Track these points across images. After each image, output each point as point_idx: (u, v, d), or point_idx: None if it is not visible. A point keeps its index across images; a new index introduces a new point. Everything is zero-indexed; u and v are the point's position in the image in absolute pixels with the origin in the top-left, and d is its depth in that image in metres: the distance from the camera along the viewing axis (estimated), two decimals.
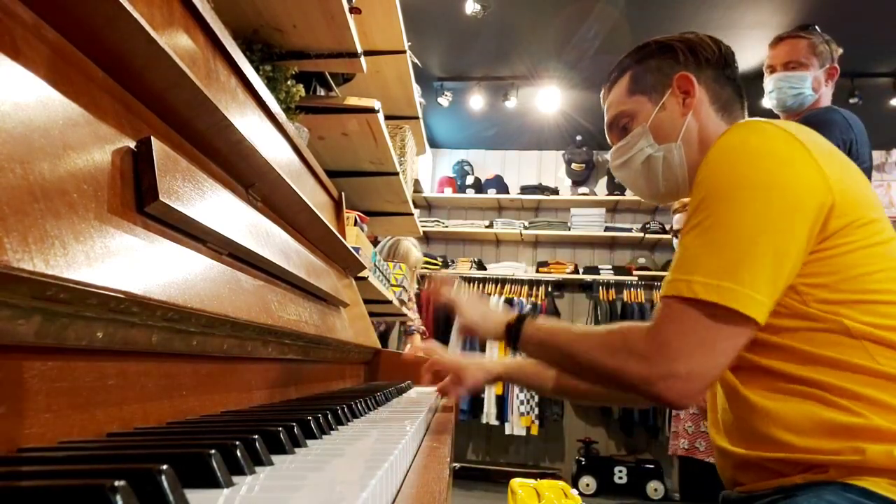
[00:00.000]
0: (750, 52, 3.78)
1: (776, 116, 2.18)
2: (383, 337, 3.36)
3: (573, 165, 5.51)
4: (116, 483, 0.25)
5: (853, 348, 0.75)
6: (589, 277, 5.16)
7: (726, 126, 0.95)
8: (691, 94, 0.97)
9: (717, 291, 0.75)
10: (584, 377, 0.95)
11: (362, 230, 2.01)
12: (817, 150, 0.80)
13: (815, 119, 2.00)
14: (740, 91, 1.02)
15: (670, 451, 4.16)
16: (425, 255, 5.33)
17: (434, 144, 5.75)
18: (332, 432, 0.62)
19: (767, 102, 2.17)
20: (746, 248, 0.76)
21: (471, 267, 5.31)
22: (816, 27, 2.14)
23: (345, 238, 1.57)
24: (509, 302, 5.11)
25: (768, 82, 2.13)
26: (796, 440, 0.76)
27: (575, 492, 2.60)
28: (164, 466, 0.29)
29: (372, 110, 1.77)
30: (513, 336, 0.96)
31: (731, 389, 0.85)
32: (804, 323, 0.77)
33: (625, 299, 5.01)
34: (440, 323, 5.16)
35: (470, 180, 5.57)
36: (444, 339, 5.47)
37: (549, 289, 5.18)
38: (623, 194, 5.42)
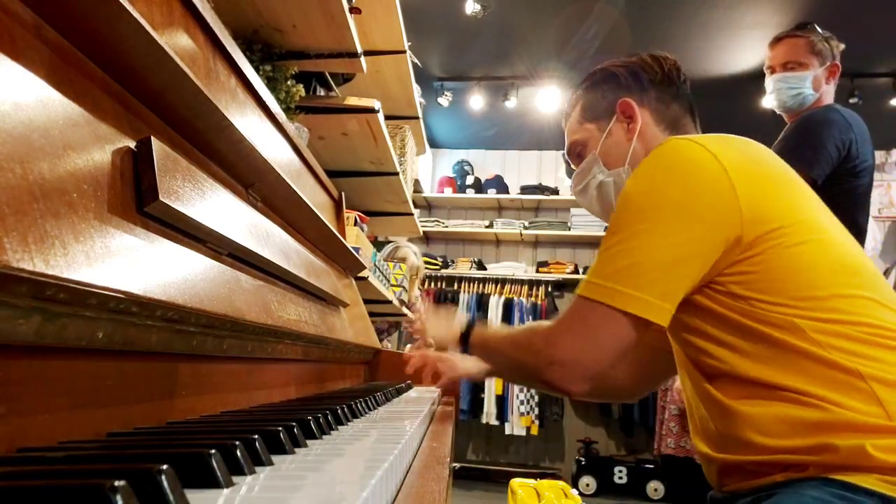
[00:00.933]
0: (750, 52, 3.78)
1: (778, 116, 2.18)
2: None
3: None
4: (116, 483, 0.25)
5: (808, 345, 0.76)
6: None
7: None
8: (634, 118, 1.00)
9: (601, 291, 0.82)
10: (513, 376, 1.10)
11: (362, 230, 2.01)
12: (735, 167, 0.82)
13: (814, 118, 2.00)
14: (690, 106, 1.04)
15: (656, 451, 4.17)
16: (425, 255, 5.33)
17: (434, 144, 5.75)
18: (332, 432, 0.62)
19: (768, 103, 2.16)
20: (643, 257, 0.81)
21: (471, 267, 5.31)
22: (815, 25, 2.12)
23: (345, 238, 1.57)
24: (509, 302, 5.11)
25: (768, 83, 2.12)
26: (772, 442, 0.77)
27: (575, 492, 2.60)
28: (164, 466, 0.29)
29: (372, 110, 1.77)
30: (464, 345, 1.09)
31: (707, 396, 0.86)
32: (762, 327, 0.79)
33: None
34: None
35: (470, 180, 5.57)
36: None
37: (549, 289, 5.18)
38: None
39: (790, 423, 0.76)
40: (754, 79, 2.28)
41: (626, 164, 1.01)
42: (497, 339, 1.05)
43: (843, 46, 2.12)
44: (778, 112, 2.15)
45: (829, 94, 2.10)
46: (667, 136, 0.99)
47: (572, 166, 1.13)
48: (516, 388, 4.85)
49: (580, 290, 0.85)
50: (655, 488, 4.39)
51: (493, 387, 4.87)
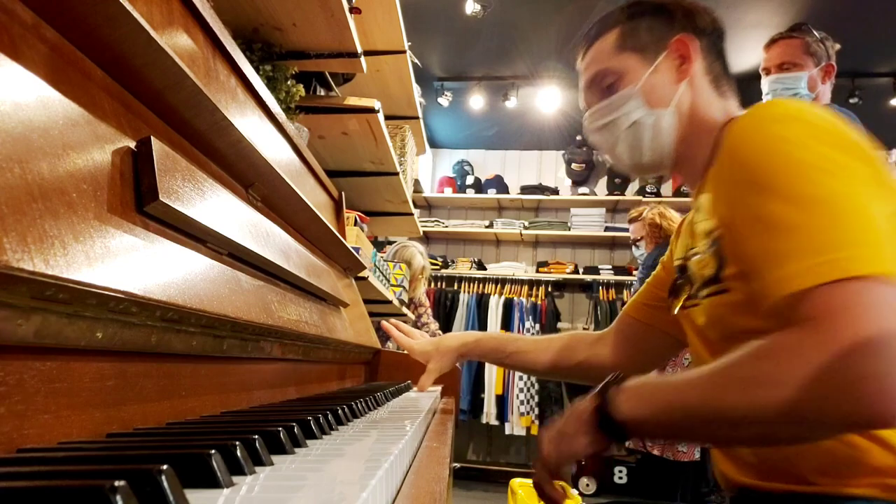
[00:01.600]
0: (750, 52, 3.78)
1: None
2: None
3: (573, 165, 5.51)
4: (116, 483, 0.25)
5: None
6: (589, 277, 5.16)
7: (720, 102, 0.92)
8: (689, 59, 0.90)
9: (851, 262, 0.61)
10: (735, 438, 0.67)
11: (362, 230, 2.01)
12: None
13: None
14: (728, 69, 0.96)
15: (640, 446, 4.15)
16: None
17: (434, 144, 5.75)
18: (332, 432, 0.62)
19: None
20: (861, 215, 0.64)
21: (471, 267, 5.31)
22: (810, 26, 2.12)
23: (345, 238, 1.57)
24: (509, 302, 5.11)
25: (764, 84, 2.13)
26: (831, 482, 0.72)
27: (575, 492, 2.60)
28: (165, 466, 0.29)
29: (372, 110, 1.77)
30: (604, 422, 0.73)
31: None
32: None
33: (625, 299, 5.01)
34: (440, 323, 5.16)
35: (470, 180, 5.57)
36: None
37: (549, 289, 5.18)
38: (623, 194, 5.41)
39: (856, 465, 0.69)
40: (754, 79, 2.28)
41: (672, 107, 0.90)
42: (683, 395, 0.68)
43: (838, 46, 2.12)
44: None
45: (825, 94, 2.10)
46: (713, 91, 0.91)
47: (583, 104, 0.99)
48: (516, 388, 4.85)
49: (813, 280, 0.61)
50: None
51: (493, 386, 4.87)
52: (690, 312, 0.92)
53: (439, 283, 5.33)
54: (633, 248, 3.48)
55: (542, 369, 1.24)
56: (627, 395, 0.72)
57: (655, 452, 3.44)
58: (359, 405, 0.80)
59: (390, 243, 3.22)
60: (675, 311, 0.98)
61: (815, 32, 2.10)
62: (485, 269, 5.36)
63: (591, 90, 0.97)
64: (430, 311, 3.28)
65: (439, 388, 1.49)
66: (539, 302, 5.12)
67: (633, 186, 5.54)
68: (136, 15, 0.50)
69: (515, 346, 1.25)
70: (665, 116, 0.91)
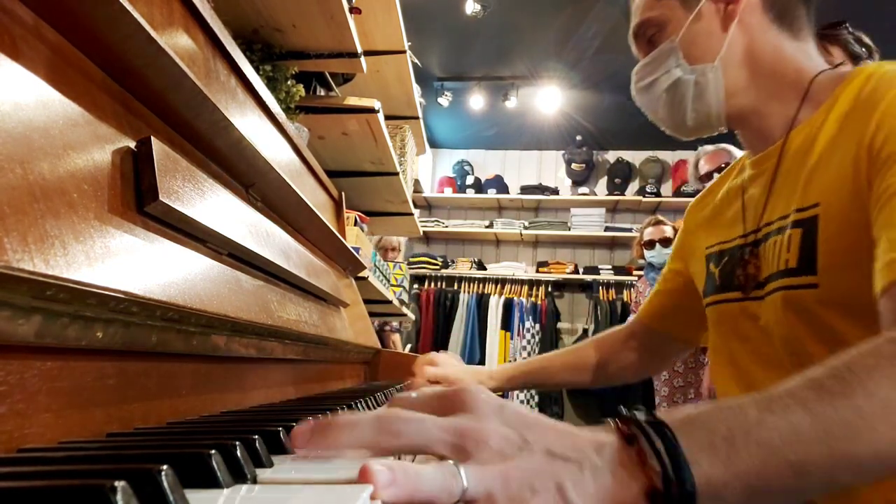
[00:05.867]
0: None
1: None
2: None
3: (573, 165, 5.51)
4: (116, 483, 0.25)
5: None
6: (589, 277, 5.16)
7: (793, 45, 0.77)
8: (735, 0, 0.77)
9: None
10: (856, 481, 0.44)
11: (362, 230, 2.01)
12: None
13: None
14: None
15: None
16: (425, 254, 5.34)
17: (434, 144, 5.75)
18: None
19: None
20: None
21: (471, 267, 5.31)
22: (847, 24, 2.07)
23: (345, 238, 1.57)
24: (509, 302, 5.11)
25: None
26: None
27: None
28: (165, 466, 0.29)
29: (372, 110, 1.77)
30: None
31: None
32: None
33: (625, 299, 5.01)
34: (440, 323, 5.17)
35: (470, 180, 5.57)
36: (443, 340, 5.43)
37: (549, 289, 5.18)
38: (623, 194, 5.42)
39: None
40: None
41: (717, 61, 0.78)
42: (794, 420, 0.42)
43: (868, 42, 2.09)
44: None
45: None
46: (778, 29, 0.77)
47: (637, 56, 0.87)
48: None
49: None
50: None
51: None
52: (747, 307, 0.80)
53: (439, 283, 5.33)
54: (646, 251, 3.47)
55: (583, 383, 1.11)
56: (695, 447, 0.40)
57: None
58: (359, 405, 0.80)
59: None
60: (714, 305, 0.87)
61: (851, 31, 2.05)
62: (485, 269, 5.36)
63: (638, 43, 0.86)
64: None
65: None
66: (539, 302, 5.12)
67: (633, 186, 5.54)
68: (136, 15, 0.50)
69: (545, 365, 1.14)
70: (709, 73, 0.78)
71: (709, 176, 2.90)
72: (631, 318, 1.15)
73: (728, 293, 0.84)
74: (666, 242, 3.34)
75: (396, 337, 3.62)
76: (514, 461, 0.37)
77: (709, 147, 2.94)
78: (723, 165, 2.85)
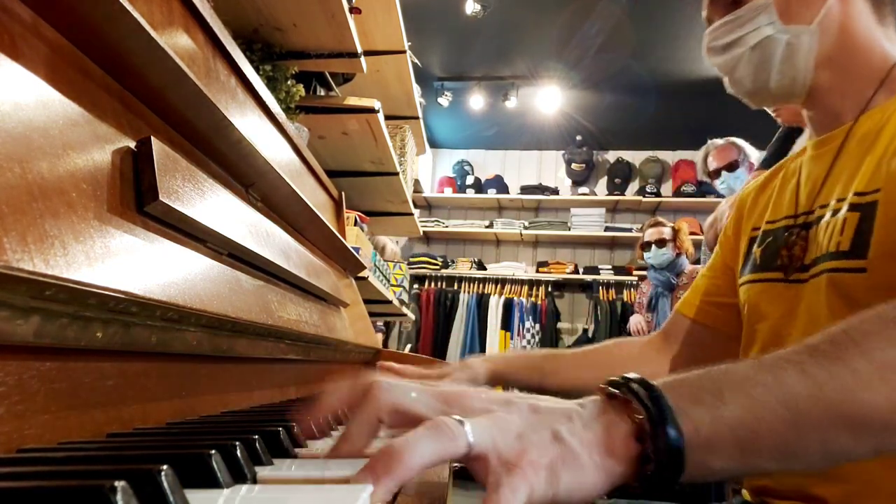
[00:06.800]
0: None
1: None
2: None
3: (573, 165, 5.51)
4: (116, 483, 0.25)
5: None
6: (589, 277, 5.16)
7: (879, 30, 0.76)
8: None
9: None
10: (854, 451, 0.41)
11: (362, 230, 2.01)
12: None
13: None
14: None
15: None
16: (425, 254, 5.34)
17: (434, 144, 5.75)
18: (332, 433, 0.62)
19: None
20: None
21: (471, 267, 5.31)
22: None
23: (345, 238, 1.57)
24: (509, 302, 5.11)
25: None
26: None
27: None
28: (164, 466, 0.28)
29: (372, 110, 1.76)
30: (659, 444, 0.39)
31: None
32: None
33: (625, 299, 5.01)
34: (440, 323, 5.16)
35: (470, 180, 5.57)
36: (443, 340, 5.43)
37: (549, 289, 5.18)
38: (623, 194, 5.41)
39: None
40: None
41: (814, 24, 0.74)
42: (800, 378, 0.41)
43: None
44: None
45: None
46: (874, 18, 0.76)
47: (707, 19, 0.84)
48: (516, 388, 4.84)
49: None
50: None
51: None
52: (787, 288, 0.78)
53: (439, 283, 5.33)
54: (644, 253, 3.48)
55: (583, 386, 1.00)
56: (689, 401, 0.40)
57: None
58: None
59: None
60: (749, 284, 0.84)
61: None
62: (485, 269, 5.36)
63: (715, 3, 0.83)
64: None
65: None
66: (539, 302, 5.12)
67: (633, 186, 5.54)
68: (136, 15, 0.50)
69: (550, 365, 1.06)
70: (804, 36, 0.75)
71: (717, 173, 2.83)
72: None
73: (766, 273, 0.81)
74: (662, 244, 3.36)
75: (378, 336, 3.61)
76: (504, 415, 0.39)
77: (718, 141, 2.89)
78: (732, 162, 2.81)
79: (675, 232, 3.35)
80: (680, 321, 0.99)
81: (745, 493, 0.84)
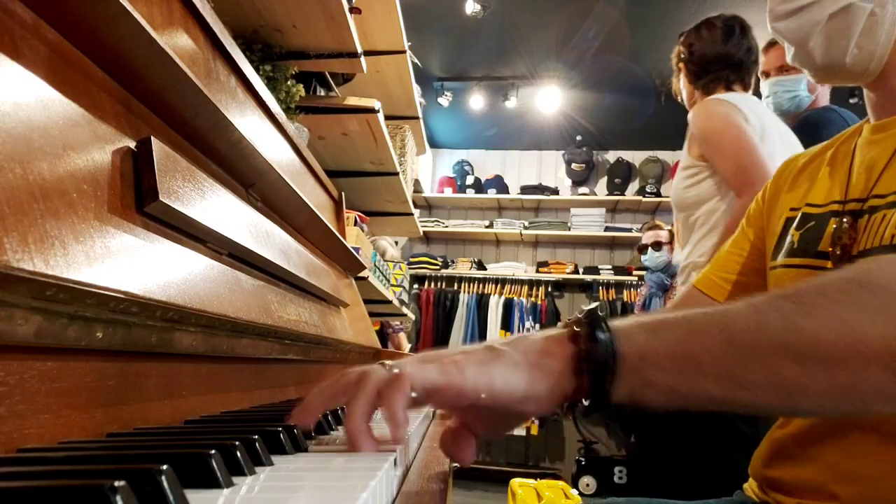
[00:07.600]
0: None
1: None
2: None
3: (573, 165, 5.51)
4: (116, 483, 0.25)
5: None
6: (589, 277, 5.16)
7: None
8: None
9: None
10: (799, 389, 0.41)
11: (362, 230, 2.01)
12: None
13: (812, 119, 2.00)
14: None
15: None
16: (425, 255, 5.34)
17: (434, 144, 5.75)
18: (332, 433, 0.62)
19: (766, 106, 2.17)
20: None
21: (471, 267, 5.31)
22: None
23: (345, 238, 1.57)
24: (509, 302, 5.10)
25: (764, 87, 2.14)
26: None
27: (575, 492, 2.60)
28: (164, 466, 0.29)
29: (372, 110, 1.76)
30: (593, 358, 0.43)
31: None
32: None
33: (625, 299, 5.01)
34: (440, 323, 5.16)
35: (470, 180, 5.57)
36: (443, 340, 5.43)
37: (549, 289, 5.18)
38: (623, 194, 5.41)
39: None
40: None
41: None
42: (741, 318, 0.42)
43: None
44: (776, 115, 2.16)
45: (824, 95, 2.11)
46: None
47: None
48: None
49: None
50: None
51: None
52: None
53: (439, 283, 5.33)
54: (641, 256, 3.51)
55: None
56: (629, 324, 0.45)
57: None
58: None
59: None
60: (783, 269, 0.79)
61: None
62: (485, 269, 5.36)
63: None
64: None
65: None
66: (539, 302, 5.12)
67: (633, 186, 5.54)
68: (136, 15, 0.50)
69: None
70: (889, 5, 0.68)
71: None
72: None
73: (806, 259, 0.76)
74: (658, 246, 3.39)
75: (402, 337, 3.57)
76: (440, 359, 0.44)
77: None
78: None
79: (672, 234, 3.39)
80: (695, 296, 0.95)
81: (748, 490, 0.84)
